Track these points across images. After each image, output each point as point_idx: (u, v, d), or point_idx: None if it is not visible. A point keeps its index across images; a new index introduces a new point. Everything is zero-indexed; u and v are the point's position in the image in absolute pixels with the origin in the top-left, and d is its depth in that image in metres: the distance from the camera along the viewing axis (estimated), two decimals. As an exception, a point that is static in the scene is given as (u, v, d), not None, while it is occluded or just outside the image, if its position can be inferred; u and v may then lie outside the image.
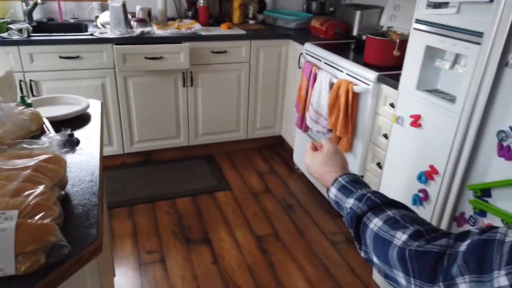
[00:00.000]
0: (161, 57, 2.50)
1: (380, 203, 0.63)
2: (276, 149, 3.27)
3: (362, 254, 0.64)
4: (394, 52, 1.89)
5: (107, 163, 2.81)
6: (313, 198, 2.65)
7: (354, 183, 0.70)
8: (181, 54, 2.54)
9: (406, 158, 1.67)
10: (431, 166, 1.52)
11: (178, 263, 2.05)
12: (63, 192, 0.88)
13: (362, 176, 2.20)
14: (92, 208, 0.87)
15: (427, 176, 1.54)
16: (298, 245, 2.22)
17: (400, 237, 0.56)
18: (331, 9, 3.14)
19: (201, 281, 1.94)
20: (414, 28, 1.52)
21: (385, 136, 1.96)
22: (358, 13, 2.71)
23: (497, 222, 1.30)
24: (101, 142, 1.18)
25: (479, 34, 1.24)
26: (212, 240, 2.23)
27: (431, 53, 1.50)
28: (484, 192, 1.32)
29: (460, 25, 1.32)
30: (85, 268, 0.93)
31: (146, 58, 2.48)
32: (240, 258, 2.11)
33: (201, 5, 2.86)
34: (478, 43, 1.24)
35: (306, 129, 2.57)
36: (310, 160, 0.80)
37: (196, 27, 2.68)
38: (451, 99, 1.44)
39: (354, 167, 2.22)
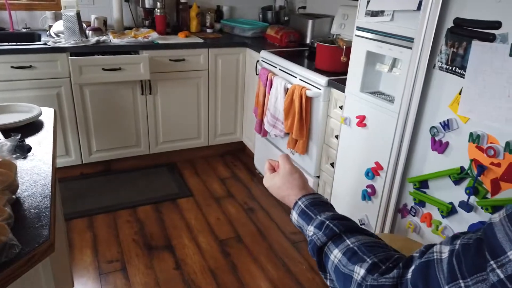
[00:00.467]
0: (119, 68, 2.49)
1: (339, 232, 0.64)
2: (238, 154, 3.33)
3: (328, 283, 0.66)
4: (342, 58, 2.01)
5: (65, 174, 2.76)
6: (273, 201, 2.72)
7: (313, 207, 0.70)
8: (141, 64, 2.54)
9: (354, 156, 1.77)
10: (376, 163, 1.63)
11: (140, 270, 2.05)
12: (14, 196, 0.89)
13: (318, 177, 2.30)
14: (44, 210, 0.89)
15: (373, 172, 1.65)
16: (259, 247, 2.28)
17: (359, 272, 0.58)
18: (285, 18, 3.26)
19: (164, 287, 1.95)
20: (356, 35, 1.63)
21: (337, 137, 2.07)
22: (310, 22, 2.84)
23: (434, 211, 1.42)
24: (54, 148, 1.19)
25: (410, 39, 1.36)
26: (175, 246, 2.24)
27: (372, 58, 1.62)
28: (422, 184, 1.44)
29: (394, 31, 1.44)
30: (40, 274, 0.94)
31: (104, 69, 2.45)
32: (202, 262, 2.14)
33: (158, 14, 2.89)
34: (410, 48, 1.37)
35: (264, 133, 2.65)
36: (269, 182, 0.79)
37: (153, 35, 2.71)
38: (391, 99, 1.56)
39: (310, 168, 2.32)
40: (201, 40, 2.84)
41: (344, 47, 2.02)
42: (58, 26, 2.57)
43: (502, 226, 0.45)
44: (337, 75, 2.09)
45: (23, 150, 1.08)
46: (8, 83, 2.32)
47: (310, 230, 0.68)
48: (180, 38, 2.85)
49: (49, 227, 0.84)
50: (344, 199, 1.92)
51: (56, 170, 1.12)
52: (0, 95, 2.33)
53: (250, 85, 3.01)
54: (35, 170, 1.04)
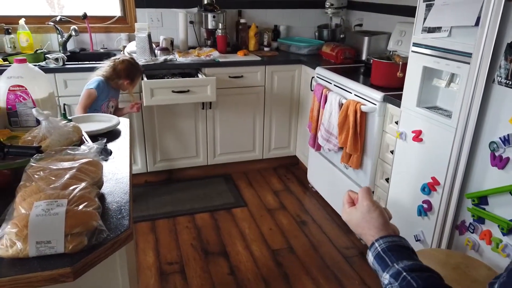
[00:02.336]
0: (188, 90, 2.65)
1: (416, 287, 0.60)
2: (291, 168, 3.39)
3: None
4: (398, 74, 2.02)
5: (132, 181, 2.98)
6: (326, 214, 2.74)
7: (390, 252, 0.66)
8: (208, 87, 2.68)
9: (410, 171, 1.77)
10: (433, 178, 1.61)
11: (196, 273, 2.17)
12: (100, 191, 1.03)
13: (373, 192, 2.29)
14: (124, 205, 1.02)
15: (429, 187, 1.63)
16: (311, 259, 2.30)
17: None
18: (341, 36, 3.31)
19: (218, 290, 2.05)
20: (412, 51, 1.66)
21: (392, 152, 2.06)
22: (366, 38, 2.87)
23: (494, 228, 1.38)
24: (130, 153, 1.34)
25: (468, 55, 1.37)
26: (229, 253, 2.34)
27: (429, 73, 1.63)
28: (481, 200, 1.41)
29: (451, 47, 1.45)
30: (116, 261, 1.07)
31: (173, 91, 2.61)
32: (255, 270, 2.21)
33: (220, 34, 3.09)
34: (468, 63, 1.37)
35: (318, 148, 2.69)
36: (348, 216, 0.76)
37: (215, 54, 2.90)
38: (448, 114, 1.55)
39: (364, 183, 2.32)
40: (258, 58, 2.98)
41: (401, 63, 2.03)
42: (131, 46, 2.84)
43: None
44: (392, 91, 2.10)
45: (107, 153, 1.23)
46: (87, 97, 2.59)
47: (385, 277, 0.64)
48: (239, 56, 3.01)
49: (128, 219, 0.96)
50: (400, 214, 1.91)
51: (132, 172, 1.27)
52: (80, 107, 2.61)
53: (304, 101, 3.08)
54: (116, 171, 1.19)
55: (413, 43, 1.64)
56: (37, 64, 2.51)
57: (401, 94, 1.90)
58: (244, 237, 2.48)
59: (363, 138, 2.26)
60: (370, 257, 0.69)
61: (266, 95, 3.04)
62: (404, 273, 0.62)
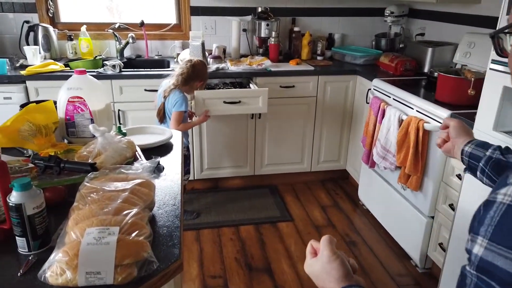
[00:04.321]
0: (239, 101, 2.58)
1: None
2: (340, 183, 3.25)
3: None
4: (469, 91, 1.85)
5: None
6: (378, 236, 2.58)
7: None
8: (259, 98, 2.60)
9: (480, 201, 1.59)
10: (510, 211, 1.44)
11: (240, 290, 2.11)
12: (151, 213, 0.99)
13: (432, 217, 2.11)
14: (174, 230, 0.97)
15: (504, 221, 1.46)
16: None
17: None
18: (401, 45, 3.13)
19: (262, 311, 1.97)
20: (491, 69, 1.49)
21: (459, 176, 1.89)
22: (430, 50, 2.68)
23: None
24: (181, 169, 1.30)
25: None
26: (274, 270, 2.25)
27: (510, 94, 1.45)
28: None
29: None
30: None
31: (225, 102, 2.55)
32: (301, 291, 2.11)
33: (272, 43, 3.02)
34: (562, 85, 1.20)
35: (372, 164, 2.54)
36: (309, 268, 0.72)
37: (267, 63, 2.83)
38: (532, 141, 1.37)
39: (423, 207, 2.15)
40: (311, 68, 2.88)
41: (473, 79, 1.85)
42: (185, 54, 2.84)
43: (494, 252, 0.43)
44: (461, 109, 1.92)
45: (159, 170, 1.20)
46: (140, 104, 2.63)
47: None
48: (291, 66, 2.93)
49: (179, 247, 0.91)
50: (464, 244, 1.73)
51: (183, 191, 1.22)
52: (133, 114, 2.65)
53: (358, 114, 2.94)
54: (167, 190, 1.15)
55: (492, 59, 1.47)
56: (95, 70, 2.58)
57: (471, 113, 1.73)
58: (289, 254, 2.39)
59: (424, 159, 2.09)
60: None
61: (317, 106, 2.94)
62: None
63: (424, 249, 2.18)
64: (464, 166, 1.02)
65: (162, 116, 2.35)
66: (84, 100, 1.35)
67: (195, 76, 2.33)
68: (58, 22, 3.01)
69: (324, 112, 2.98)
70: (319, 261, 0.69)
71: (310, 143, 3.06)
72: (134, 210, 0.86)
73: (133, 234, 0.81)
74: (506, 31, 0.66)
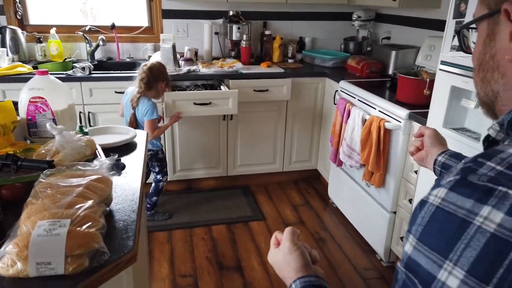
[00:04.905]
0: (209, 103, 2.62)
1: None
2: (312, 182, 3.33)
3: None
4: (425, 91, 1.94)
5: (146, 191, 3.00)
6: (346, 232, 2.66)
7: None
8: (230, 99, 2.65)
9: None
10: (458, 203, 1.52)
11: (210, 287, 2.14)
12: (108, 208, 1.02)
13: (394, 212, 2.20)
14: (131, 224, 1.00)
15: (454, 213, 1.54)
16: (329, 279, 2.20)
17: None
18: (368, 49, 3.24)
19: (230, 307, 2.01)
20: (440, 69, 1.58)
21: (416, 172, 1.98)
22: (393, 52, 2.79)
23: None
24: (143, 168, 1.33)
25: (500, 76, 1.28)
26: (244, 268, 2.29)
27: (457, 93, 1.55)
28: None
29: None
30: (122, 281, 1.05)
31: (195, 103, 2.59)
32: (270, 287, 2.15)
33: (243, 45, 3.08)
34: (499, 84, 1.29)
35: (339, 163, 2.62)
36: (271, 258, 0.75)
37: (238, 65, 2.89)
38: (477, 137, 1.46)
39: (386, 203, 2.23)
40: (282, 70, 2.95)
41: (428, 79, 1.95)
42: (156, 56, 2.87)
43: (420, 252, 0.43)
44: (418, 108, 2.02)
45: (119, 168, 1.23)
46: (111, 106, 2.63)
47: None
48: (262, 68, 2.99)
49: (134, 239, 0.94)
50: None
51: (144, 186, 1.25)
52: (104, 116, 2.66)
53: (327, 115, 3.02)
54: (127, 187, 1.18)
55: (441, 61, 1.57)
56: (64, 72, 2.58)
57: (427, 112, 1.82)
58: (260, 252, 2.44)
59: (386, 156, 2.18)
60: None
61: (288, 107, 3.00)
62: None
63: (387, 243, 2.27)
64: (436, 177, 1.00)
65: (135, 127, 2.34)
66: (46, 101, 1.37)
67: (156, 78, 2.34)
68: (27, 24, 2.98)
69: (295, 113, 3.05)
70: (281, 251, 0.72)
71: (282, 143, 3.12)
72: (87, 204, 0.89)
73: (84, 226, 0.83)
74: (470, 26, 0.64)
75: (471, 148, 1.46)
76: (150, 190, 2.66)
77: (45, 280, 0.78)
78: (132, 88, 2.38)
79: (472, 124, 1.57)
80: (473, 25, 0.60)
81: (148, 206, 2.66)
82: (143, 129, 2.35)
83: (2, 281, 0.78)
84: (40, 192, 0.91)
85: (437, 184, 0.47)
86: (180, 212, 2.81)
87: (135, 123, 2.36)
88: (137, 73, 2.34)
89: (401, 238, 2.14)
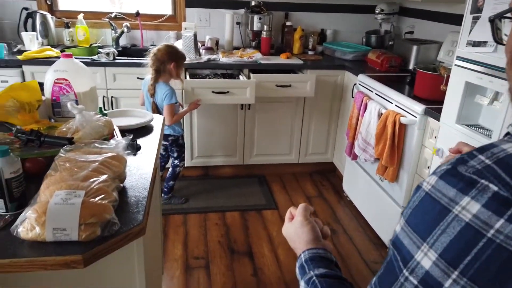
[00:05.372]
0: (227, 92, 2.67)
1: None
2: (327, 175, 3.34)
3: None
4: (441, 87, 1.92)
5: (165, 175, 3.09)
6: (358, 225, 2.67)
7: (311, 262, 0.69)
8: (247, 89, 2.69)
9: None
10: (467, 199, 1.52)
11: (221, 271, 2.20)
12: (121, 185, 1.09)
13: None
14: (142, 200, 1.07)
15: (463, 209, 1.54)
16: (336, 269, 2.26)
17: None
18: (390, 43, 3.21)
19: (239, 290, 2.07)
20: (455, 65, 1.57)
21: (429, 168, 1.97)
22: (415, 47, 2.75)
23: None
24: (157, 149, 1.39)
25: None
26: (255, 254, 2.35)
27: (472, 89, 1.54)
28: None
29: (496, 63, 1.36)
30: (133, 253, 1.12)
31: (213, 92, 2.64)
32: (279, 274, 2.20)
33: (264, 36, 3.10)
34: (513, 81, 1.28)
35: (354, 157, 2.63)
36: (285, 231, 0.80)
37: (257, 56, 2.92)
38: (489, 134, 1.45)
39: (399, 198, 2.23)
40: (301, 62, 2.96)
41: (445, 75, 1.93)
42: (178, 44, 2.92)
43: (405, 232, 0.46)
44: (435, 104, 2.00)
45: (134, 148, 1.29)
46: (133, 91, 2.72)
47: (301, 284, 0.68)
48: (281, 59, 3.01)
49: (143, 214, 1.01)
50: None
51: (157, 168, 1.32)
52: (125, 101, 2.75)
53: (345, 108, 3.02)
54: (140, 166, 1.25)
55: (457, 56, 1.55)
56: (90, 57, 2.68)
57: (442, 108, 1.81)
58: (271, 240, 2.49)
59: (400, 151, 2.18)
60: (296, 268, 0.71)
61: (306, 99, 3.02)
62: (314, 278, 0.65)
63: (398, 238, 2.27)
64: None
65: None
66: (69, 82, 1.44)
67: (163, 61, 2.34)
68: (56, 10, 3.10)
69: (313, 105, 3.06)
70: (293, 225, 0.78)
71: (299, 135, 3.14)
72: (102, 178, 0.96)
73: (98, 198, 0.90)
74: (504, 16, 0.61)
75: (482, 144, 1.45)
76: (167, 175, 2.74)
77: (60, 244, 0.86)
78: (147, 78, 2.43)
79: (486, 121, 1.56)
80: (508, 15, 0.58)
81: (166, 190, 2.74)
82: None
83: (22, 244, 0.86)
84: (59, 166, 0.99)
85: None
86: (196, 197, 2.89)
87: (156, 111, 2.41)
88: (148, 61, 2.38)
89: (411, 233, 2.14)
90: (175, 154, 2.66)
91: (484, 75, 1.41)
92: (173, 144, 2.62)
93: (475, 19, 1.43)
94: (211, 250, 2.37)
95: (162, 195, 2.73)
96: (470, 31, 1.46)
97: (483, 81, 1.42)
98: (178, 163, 2.70)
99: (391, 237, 0.50)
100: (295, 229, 0.77)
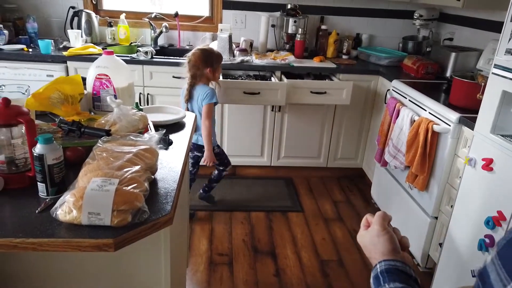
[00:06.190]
0: (258, 93, 2.69)
1: None
2: (355, 180, 3.31)
3: None
4: (478, 95, 1.87)
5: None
6: (384, 233, 2.63)
7: (387, 274, 0.67)
8: (278, 91, 2.70)
9: (476, 201, 1.64)
10: (499, 212, 1.48)
11: (243, 268, 2.24)
12: (152, 176, 1.14)
13: (436, 218, 2.15)
14: (171, 192, 1.12)
15: (494, 221, 1.50)
16: (360, 276, 2.24)
17: None
18: (427, 49, 3.14)
19: (260, 289, 2.10)
20: (493, 73, 1.53)
21: (461, 178, 1.92)
22: (453, 54, 2.68)
23: None
24: (188, 145, 1.45)
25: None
26: (278, 254, 2.37)
27: (509, 99, 1.49)
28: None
29: (536, 72, 1.31)
30: (161, 242, 1.17)
31: (245, 92, 2.68)
32: (301, 275, 2.21)
33: (298, 39, 3.12)
34: (553, 91, 1.24)
35: (384, 163, 2.59)
36: (360, 238, 0.78)
37: (290, 58, 2.94)
38: (525, 145, 1.41)
39: (428, 208, 2.19)
40: (334, 65, 2.95)
41: (483, 83, 1.87)
42: (213, 45, 3.00)
43: (494, 265, 0.43)
44: (471, 113, 1.95)
45: (166, 143, 1.35)
46: (168, 89, 2.81)
47: None
48: (314, 62, 3.02)
49: (172, 205, 1.05)
50: (459, 245, 1.77)
51: (186, 162, 1.37)
52: (161, 98, 2.84)
53: (378, 114, 2.98)
54: (171, 159, 1.30)
55: (495, 64, 1.51)
56: (129, 55, 2.79)
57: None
58: (295, 242, 2.50)
59: (432, 159, 2.13)
60: (371, 278, 0.69)
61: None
62: None
63: (426, 248, 2.22)
64: None
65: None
66: (109, 78, 1.52)
67: (198, 67, 2.31)
68: (101, 9, 3.25)
69: (344, 110, 3.04)
70: (369, 233, 0.75)
71: (328, 139, 3.13)
72: (135, 168, 1.01)
73: (130, 186, 0.95)
74: None
75: (519, 156, 1.41)
76: (212, 176, 2.70)
77: (95, 228, 0.92)
78: (184, 87, 2.40)
79: (523, 132, 1.51)
80: None
81: (206, 188, 2.74)
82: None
83: (60, 225, 0.93)
84: (96, 155, 1.05)
85: None
86: (223, 195, 2.94)
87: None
88: (184, 67, 2.36)
89: (440, 244, 2.09)
90: (216, 163, 2.60)
91: (522, 84, 1.38)
92: None
93: (516, 27, 1.39)
94: (235, 248, 2.40)
95: (200, 191, 2.76)
96: (510, 39, 1.42)
97: (521, 91, 1.38)
98: (223, 168, 2.65)
99: (480, 266, 0.47)
100: (371, 237, 0.74)
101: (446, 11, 3.15)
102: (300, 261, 2.33)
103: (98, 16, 3.15)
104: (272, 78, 2.85)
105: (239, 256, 2.34)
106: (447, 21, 3.17)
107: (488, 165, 1.55)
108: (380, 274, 0.67)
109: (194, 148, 2.49)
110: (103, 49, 2.88)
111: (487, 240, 1.54)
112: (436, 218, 2.16)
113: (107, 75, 1.53)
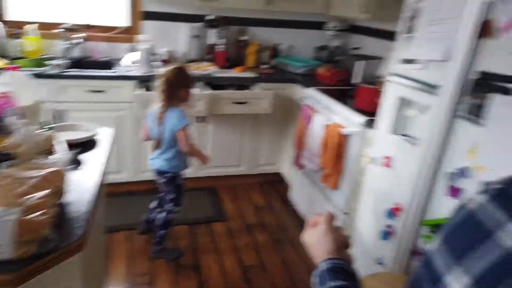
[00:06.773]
0: None
1: None
2: (276, 185, 3.41)
3: None
4: (377, 100, 2.08)
5: (113, 190, 2.85)
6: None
7: (330, 272, 0.68)
8: (201, 102, 2.72)
9: (378, 195, 1.83)
10: (397, 203, 1.66)
11: (165, 286, 2.17)
12: (60, 200, 1.10)
13: (347, 214, 2.32)
14: (82, 215, 1.09)
15: (393, 212, 1.68)
16: (282, 280, 2.32)
17: None
18: (339, 58, 3.38)
19: (185, 304, 2.07)
20: (388, 80, 1.72)
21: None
22: (358, 63, 2.92)
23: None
24: (105, 162, 1.41)
25: (438, 87, 1.44)
26: (201, 267, 2.35)
27: (402, 102, 1.69)
28: (437, 228, 1.44)
29: (424, 78, 1.52)
30: (75, 270, 1.13)
31: None
32: (223, 285, 2.23)
33: (219, 50, 3.17)
34: (437, 95, 1.44)
35: (301, 167, 2.74)
36: (304, 238, 0.79)
37: (212, 69, 2.98)
38: (416, 143, 1.61)
39: (341, 205, 2.35)
40: (254, 75, 3.05)
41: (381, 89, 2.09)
42: (133, 57, 2.93)
43: (439, 250, 0.47)
44: (372, 115, 2.14)
45: (76, 163, 1.31)
46: (83, 104, 2.68)
47: None
48: (235, 72, 3.09)
49: (84, 229, 1.03)
50: (366, 236, 1.95)
51: (103, 183, 1.33)
52: (75, 114, 2.67)
53: (296, 120, 3.13)
54: (83, 180, 1.26)
55: (390, 72, 1.71)
56: (39, 68, 2.62)
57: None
58: (218, 251, 2.51)
59: (343, 161, 2.30)
60: (313, 277, 0.71)
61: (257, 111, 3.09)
62: None
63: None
64: None
65: (174, 145, 2.15)
66: (13, 96, 1.43)
67: (175, 86, 2.08)
68: (7, 20, 3.01)
69: (265, 117, 3.15)
70: (316, 233, 0.77)
71: (249, 146, 3.22)
72: (41, 194, 0.97)
73: (34, 214, 0.92)
74: None
75: (409, 152, 1.61)
76: (157, 222, 2.35)
77: (-5, 262, 0.86)
78: (155, 108, 2.14)
79: (414, 131, 1.70)
80: None
81: (158, 240, 2.36)
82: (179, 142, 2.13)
83: (-46, 262, 0.86)
84: (-3, 182, 0.99)
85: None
86: (142, 212, 2.66)
87: (169, 140, 2.14)
88: (156, 86, 2.12)
89: (355, 239, 2.27)
90: (171, 196, 2.28)
91: (412, 89, 1.58)
92: (169, 183, 2.24)
93: (407, 38, 1.60)
94: (157, 266, 2.32)
95: (153, 246, 2.40)
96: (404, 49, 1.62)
97: (412, 95, 1.59)
98: (172, 208, 2.31)
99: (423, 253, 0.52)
100: (318, 237, 0.75)
101: (356, 23, 3.42)
102: (223, 270, 2.34)
103: (6, 26, 2.91)
104: (195, 90, 2.86)
105: (161, 274, 2.27)
106: (357, 32, 3.44)
107: (387, 162, 1.73)
108: (325, 272, 0.69)
109: (158, 174, 2.28)
110: (10, 62, 2.67)
111: (388, 230, 1.73)
112: (348, 214, 2.33)
113: (9, 93, 1.44)
